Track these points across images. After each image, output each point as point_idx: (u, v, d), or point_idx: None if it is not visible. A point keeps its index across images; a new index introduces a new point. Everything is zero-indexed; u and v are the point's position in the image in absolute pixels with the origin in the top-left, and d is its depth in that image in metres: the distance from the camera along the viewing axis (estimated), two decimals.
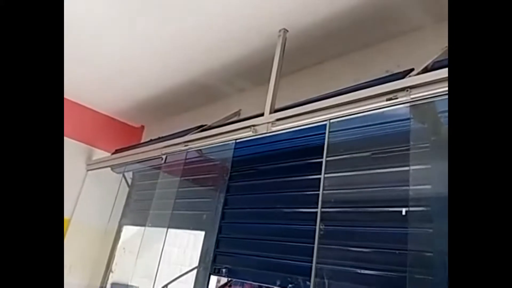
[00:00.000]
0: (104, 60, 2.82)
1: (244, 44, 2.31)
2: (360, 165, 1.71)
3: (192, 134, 2.37)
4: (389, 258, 1.49)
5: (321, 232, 1.52)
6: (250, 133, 1.86)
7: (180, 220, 2.48)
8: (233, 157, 2.06)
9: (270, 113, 1.84)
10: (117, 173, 3.54)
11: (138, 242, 3.62)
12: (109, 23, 2.31)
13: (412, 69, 1.50)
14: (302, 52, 2.24)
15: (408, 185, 1.50)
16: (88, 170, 3.62)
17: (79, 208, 3.51)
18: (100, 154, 3.76)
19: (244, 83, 2.81)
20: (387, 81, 1.42)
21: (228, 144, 1.92)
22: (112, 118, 4.03)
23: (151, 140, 3.17)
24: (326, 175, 1.61)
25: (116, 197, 3.42)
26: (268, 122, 1.79)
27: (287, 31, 2.07)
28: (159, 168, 2.75)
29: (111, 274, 3.35)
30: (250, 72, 2.62)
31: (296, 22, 2.02)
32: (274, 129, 1.76)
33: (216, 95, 3.09)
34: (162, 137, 2.91)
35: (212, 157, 2.38)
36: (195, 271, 3.32)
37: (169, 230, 2.92)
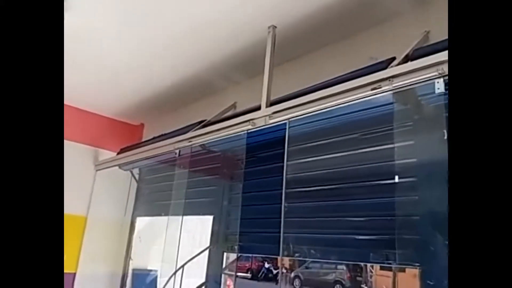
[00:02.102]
0: (101, 64, 2.79)
1: (236, 40, 2.33)
2: (351, 145, 1.82)
3: (196, 129, 2.43)
4: (379, 224, 1.63)
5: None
6: (249, 126, 1.93)
7: (192, 208, 2.57)
8: (247, 145, 2.14)
9: (267, 106, 1.90)
10: (125, 170, 3.59)
11: (151, 231, 3.73)
12: (106, 25, 2.28)
13: (394, 58, 1.57)
14: (291, 44, 2.27)
15: (393, 160, 1.61)
16: (97, 170, 3.66)
17: (93, 206, 3.57)
18: (105, 154, 3.79)
19: (238, 76, 2.84)
20: (372, 71, 1.50)
21: (240, 135, 1.99)
22: (113, 119, 4.03)
23: (154, 137, 3.20)
24: (326, 156, 1.71)
25: (129, 192, 3.49)
26: (265, 115, 1.86)
27: (276, 27, 2.11)
28: (168, 162, 2.81)
29: (131, 261, 3.46)
30: (243, 66, 2.64)
31: (284, 18, 2.05)
32: (271, 121, 1.83)
33: (212, 89, 3.12)
34: (167, 134, 2.95)
35: (216, 149, 2.45)
36: (206, 251, 3.45)
37: (178, 217, 3.03)
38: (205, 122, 2.61)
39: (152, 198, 3.39)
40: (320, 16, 1.99)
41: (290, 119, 1.75)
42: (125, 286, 3.41)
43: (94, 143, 3.74)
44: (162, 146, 2.51)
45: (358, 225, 1.69)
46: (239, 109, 2.82)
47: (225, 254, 2.48)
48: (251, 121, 1.92)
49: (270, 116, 1.82)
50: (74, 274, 3.31)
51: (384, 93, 1.40)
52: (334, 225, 1.89)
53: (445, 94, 1.26)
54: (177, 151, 2.29)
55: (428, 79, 1.27)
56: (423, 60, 1.28)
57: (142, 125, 4.22)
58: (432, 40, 1.68)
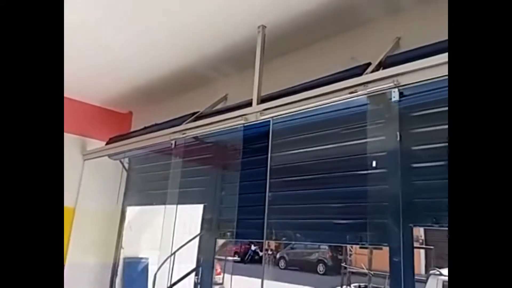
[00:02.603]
0: (91, 52, 2.95)
1: (228, 36, 2.61)
2: (331, 139, 2.20)
3: (189, 121, 2.74)
4: (354, 209, 2.02)
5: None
6: (242, 121, 2.26)
7: (185, 197, 2.90)
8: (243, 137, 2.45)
9: (258, 103, 2.24)
10: (114, 159, 3.86)
11: (142, 220, 4.05)
12: (101, 16, 2.45)
13: (370, 63, 1.92)
14: (279, 42, 2.57)
15: (366, 153, 2.00)
16: (85, 160, 3.91)
17: (81, 196, 3.83)
18: (93, 143, 4.04)
19: (229, 69, 3.12)
20: (350, 76, 1.85)
21: (233, 128, 2.30)
22: (100, 107, 4.26)
23: (145, 127, 3.47)
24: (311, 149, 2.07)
25: (120, 182, 3.77)
26: (256, 112, 2.20)
27: (265, 27, 2.41)
28: (160, 152, 3.11)
29: (122, 250, 3.78)
30: (234, 60, 2.92)
31: (272, 19, 2.36)
32: (262, 117, 2.16)
33: (203, 80, 3.39)
34: (159, 124, 3.23)
35: (209, 140, 2.77)
36: (196, 239, 3.83)
37: (170, 206, 3.37)
38: (198, 114, 2.91)
39: (143, 188, 3.69)
40: (305, 18, 2.31)
41: (278, 116, 2.09)
42: (117, 274, 3.74)
43: (81, 132, 3.98)
44: (157, 137, 2.80)
45: (336, 211, 2.08)
46: (230, 101, 3.14)
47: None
48: (243, 116, 2.25)
49: (261, 112, 2.16)
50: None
51: (360, 96, 1.75)
52: (315, 211, 2.28)
53: (399, 101, 1.61)
54: (173, 142, 2.59)
55: (388, 88, 1.62)
56: (383, 72, 1.64)
57: (130, 113, 4.47)
58: (403, 46, 2.03)
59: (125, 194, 3.92)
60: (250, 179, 2.64)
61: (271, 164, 2.33)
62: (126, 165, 4.04)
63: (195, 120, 2.82)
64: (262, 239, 2.39)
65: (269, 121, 2.15)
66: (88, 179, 3.89)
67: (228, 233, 2.63)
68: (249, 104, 2.37)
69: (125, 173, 4.01)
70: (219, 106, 3.08)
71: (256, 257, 14.46)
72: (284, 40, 2.55)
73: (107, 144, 3.81)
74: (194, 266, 4.20)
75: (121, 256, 3.81)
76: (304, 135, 2.41)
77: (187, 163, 2.97)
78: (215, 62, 3.02)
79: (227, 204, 2.72)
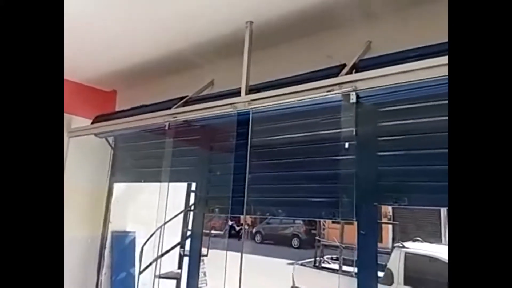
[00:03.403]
0: (75, 30, 2.98)
1: (217, 28, 2.85)
2: (309, 128, 2.57)
3: (178, 106, 3.02)
4: (328, 189, 2.44)
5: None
6: (231, 109, 2.56)
7: (175, 175, 3.22)
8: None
9: (246, 94, 2.54)
10: (100, 137, 4.07)
11: (128, 195, 4.34)
12: None
13: (345, 65, 2.25)
14: (265, 37, 2.85)
15: (339, 142, 2.39)
16: (70, 137, 4.10)
17: (67, 172, 4.04)
18: (78, 120, 4.22)
19: (215, 56, 3.35)
20: (329, 75, 2.18)
21: (223, 114, 2.63)
22: (83, 85, 4.39)
23: (133, 108, 3.69)
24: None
25: (109, 159, 4.01)
26: (245, 101, 2.50)
27: (253, 22, 2.68)
28: (150, 131, 3.38)
29: (110, 224, 4.08)
30: (221, 48, 3.16)
31: (259, 16, 2.62)
32: (250, 107, 2.48)
33: (189, 65, 3.62)
34: (148, 106, 3.47)
35: (198, 124, 3.07)
36: (181, 215, 4.18)
37: (157, 183, 3.69)
38: (187, 98, 3.18)
39: (130, 165, 3.96)
40: (288, 17, 2.60)
41: (264, 106, 2.41)
42: (105, 247, 4.06)
43: (66, 110, 4.12)
44: (149, 118, 3.07)
45: (312, 190, 2.50)
46: (216, 86, 3.40)
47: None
48: (233, 105, 2.55)
49: (249, 102, 2.47)
50: None
51: (336, 94, 2.09)
52: (294, 190, 2.69)
53: (356, 103, 2.00)
54: (167, 123, 2.87)
55: (349, 91, 1.99)
56: (345, 77, 2.03)
57: (115, 91, 4.63)
58: (374, 48, 2.37)
59: (111, 171, 4.17)
60: (234, 161, 2.98)
61: (251, 148, 2.69)
62: (112, 143, 4.26)
63: (184, 104, 3.09)
64: (244, 214, 2.78)
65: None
66: (73, 156, 4.09)
67: (217, 209, 3.01)
68: (237, 93, 2.67)
69: (110, 151, 4.25)
70: (206, 92, 3.34)
71: (233, 231, 15.14)
72: (268, 35, 2.82)
73: (93, 122, 4.01)
74: (179, 239, 4.59)
75: (109, 230, 4.11)
76: (284, 123, 2.77)
77: (176, 144, 3.26)
78: (203, 49, 3.24)
79: (214, 183, 3.08)
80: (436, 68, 1.80)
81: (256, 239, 15.10)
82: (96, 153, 4.14)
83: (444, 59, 1.76)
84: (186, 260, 4.49)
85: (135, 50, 3.48)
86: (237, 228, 15.87)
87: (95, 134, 3.94)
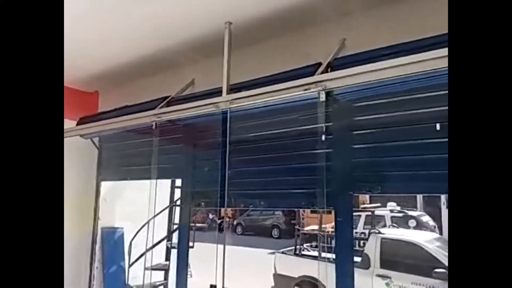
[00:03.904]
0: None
1: (197, 28, 2.90)
2: (289, 123, 2.68)
3: (162, 106, 3.06)
4: (306, 181, 2.57)
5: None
6: (214, 109, 2.64)
7: (162, 172, 3.28)
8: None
9: (227, 93, 2.62)
10: (86, 138, 4.07)
11: (115, 193, 4.37)
12: None
13: (320, 63, 2.36)
14: (244, 36, 2.91)
15: (317, 136, 2.51)
16: None
17: None
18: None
19: (196, 55, 3.41)
20: (305, 74, 2.29)
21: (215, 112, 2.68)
22: (66, 87, 4.35)
23: (116, 109, 3.70)
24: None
25: (98, 159, 4.03)
26: (226, 101, 2.58)
27: (231, 23, 2.74)
28: (135, 131, 3.41)
29: (99, 221, 4.11)
30: (201, 48, 3.22)
31: (237, 16, 2.68)
32: (232, 106, 2.56)
33: (170, 65, 3.65)
34: (131, 106, 3.50)
35: (181, 123, 3.13)
36: (167, 210, 4.23)
37: (144, 180, 3.74)
38: (170, 98, 3.22)
39: (117, 164, 3.99)
40: (265, 16, 2.67)
41: (245, 105, 2.50)
42: (96, 242, 4.10)
43: None
44: (134, 119, 3.11)
45: (293, 182, 2.62)
46: (197, 85, 3.45)
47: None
48: (215, 104, 2.63)
49: (230, 102, 2.55)
50: None
51: (313, 92, 2.20)
52: (276, 183, 2.80)
53: (326, 101, 2.14)
54: (154, 123, 2.92)
55: (319, 90, 2.11)
56: (315, 77, 2.14)
57: (97, 92, 4.61)
58: (348, 46, 2.49)
59: (98, 170, 4.19)
60: (218, 157, 3.05)
61: (232, 145, 2.78)
62: (97, 143, 4.27)
63: (168, 104, 3.14)
64: (227, 206, 2.89)
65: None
66: None
67: (202, 203, 3.10)
68: (218, 92, 2.74)
69: (96, 151, 4.25)
70: (187, 91, 3.39)
71: (214, 224, 15.26)
72: (247, 34, 2.89)
73: (78, 123, 3.99)
74: (165, 233, 4.66)
75: (99, 227, 4.15)
76: (264, 119, 2.87)
77: (161, 142, 3.31)
78: (183, 50, 3.28)
79: (200, 178, 3.16)
80: (407, 66, 1.92)
81: (237, 230, 15.26)
82: (83, 153, 4.16)
83: (415, 57, 1.89)
84: (173, 252, 4.60)
85: (117, 52, 3.49)
86: (218, 221, 16.02)
87: (81, 135, 3.93)
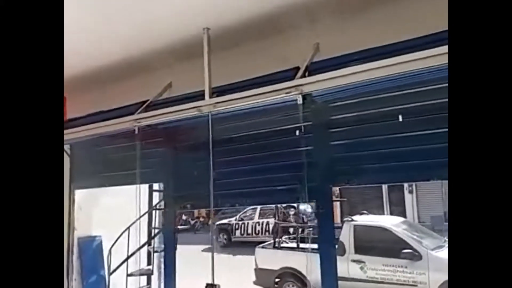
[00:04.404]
0: None
1: (175, 33, 2.94)
2: (271, 124, 2.84)
3: (141, 111, 3.09)
4: (292, 178, 2.73)
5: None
6: (197, 113, 2.72)
7: (142, 177, 3.30)
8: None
9: (210, 97, 2.71)
10: None
11: (91, 201, 4.30)
12: None
13: (298, 68, 2.52)
14: (222, 40, 3.00)
15: (300, 135, 2.68)
16: None
17: None
18: None
19: (172, 59, 3.42)
20: (285, 77, 2.44)
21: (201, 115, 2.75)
22: None
23: (89, 115, 3.64)
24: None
25: (70, 166, 3.94)
26: (209, 104, 2.67)
27: (209, 29, 2.83)
28: (111, 137, 3.39)
29: (75, 231, 4.03)
30: (178, 52, 3.25)
31: (215, 22, 2.77)
32: (214, 110, 2.66)
33: (144, 69, 3.63)
34: (106, 112, 3.47)
35: (160, 126, 3.17)
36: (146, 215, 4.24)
37: (121, 186, 3.73)
38: (148, 102, 3.25)
39: (93, 171, 3.92)
40: (241, 22, 2.77)
41: (228, 108, 2.62)
42: (73, 253, 4.01)
43: None
44: (114, 124, 3.11)
45: (276, 180, 2.79)
46: (175, 88, 3.48)
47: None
48: (198, 108, 2.71)
49: (214, 105, 2.65)
50: None
51: (293, 95, 2.36)
52: (260, 181, 2.95)
53: (305, 103, 2.33)
54: (136, 128, 2.94)
55: (297, 94, 2.29)
56: (293, 82, 2.32)
57: (64, 98, 4.46)
58: (322, 50, 2.67)
59: (70, 178, 4.09)
60: (201, 159, 3.13)
61: (216, 147, 2.88)
62: (68, 151, 4.16)
63: (146, 108, 3.17)
64: (214, 207, 3.00)
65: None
66: None
67: (188, 205, 3.17)
68: (199, 95, 2.82)
69: (67, 158, 4.15)
70: (165, 94, 3.43)
71: (188, 225, 15.12)
72: (224, 39, 2.98)
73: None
74: (146, 239, 4.65)
75: (75, 237, 4.06)
76: (244, 121, 3.00)
77: (141, 146, 3.33)
78: (159, 54, 3.28)
79: (183, 181, 3.23)
80: (377, 70, 2.14)
81: (212, 229, 15.27)
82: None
83: (383, 62, 2.11)
84: (155, 256, 4.62)
85: (88, 56, 3.42)
86: (192, 222, 15.91)
87: None
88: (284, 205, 9.70)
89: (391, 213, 11.39)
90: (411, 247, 5.90)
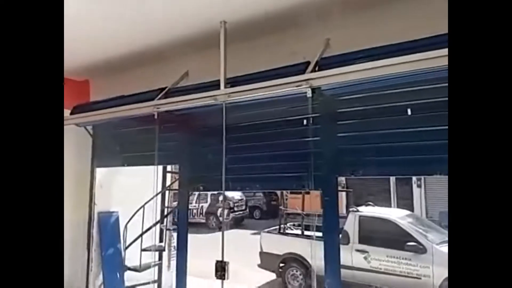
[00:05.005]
0: None
1: (193, 24, 3.10)
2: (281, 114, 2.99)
3: (161, 97, 3.28)
4: (298, 166, 2.90)
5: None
6: (212, 101, 2.89)
7: (160, 158, 3.53)
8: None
9: (225, 87, 2.87)
10: (80, 127, 4.21)
11: (110, 179, 4.57)
12: None
13: (309, 62, 2.65)
14: (238, 33, 3.14)
15: (308, 125, 2.84)
16: None
17: None
18: None
19: (189, 49, 3.59)
20: (296, 71, 2.58)
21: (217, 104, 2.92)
22: None
23: (112, 98, 3.84)
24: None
25: (92, 146, 4.20)
26: (224, 94, 2.84)
27: (226, 22, 2.97)
28: (132, 120, 3.61)
29: (95, 206, 4.32)
30: (195, 42, 3.41)
31: (231, 16, 2.91)
32: (229, 99, 2.82)
33: (162, 57, 3.80)
34: (127, 96, 3.67)
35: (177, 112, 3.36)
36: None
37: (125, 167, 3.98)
38: (167, 90, 3.43)
39: (113, 151, 4.18)
40: (256, 16, 2.90)
41: (241, 99, 2.78)
42: (93, 226, 4.32)
43: None
44: (135, 109, 3.31)
45: (285, 167, 2.95)
46: (191, 77, 3.65)
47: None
48: (213, 97, 2.88)
49: (228, 95, 2.81)
50: None
51: (304, 88, 2.50)
52: (269, 168, 3.12)
53: (312, 97, 2.44)
54: (155, 113, 3.14)
55: (307, 87, 2.42)
56: (303, 76, 2.45)
57: (87, 81, 4.70)
58: (332, 45, 2.78)
59: (92, 157, 4.36)
60: (214, 144, 3.32)
61: (227, 134, 3.05)
62: (91, 131, 4.42)
63: (165, 95, 3.35)
64: (225, 190, 3.19)
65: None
66: None
67: (201, 187, 3.39)
68: (215, 85, 2.98)
69: (90, 138, 4.41)
70: (182, 82, 3.60)
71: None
72: (240, 32, 3.10)
73: (72, 113, 4.11)
74: (158, 218, 4.92)
75: (95, 211, 4.37)
76: (257, 110, 3.16)
77: (159, 130, 3.54)
78: (177, 44, 3.45)
79: (198, 164, 3.45)
80: (382, 68, 2.25)
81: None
82: (77, 141, 4.29)
83: (389, 61, 2.22)
84: (167, 233, 4.90)
85: (111, 44, 3.60)
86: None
87: (76, 124, 4.07)
88: (215, 192, 10.58)
89: (398, 206, 11.39)
90: (415, 240, 5.93)
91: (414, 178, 10.96)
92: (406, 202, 11.24)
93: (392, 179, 12.89)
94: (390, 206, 11.73)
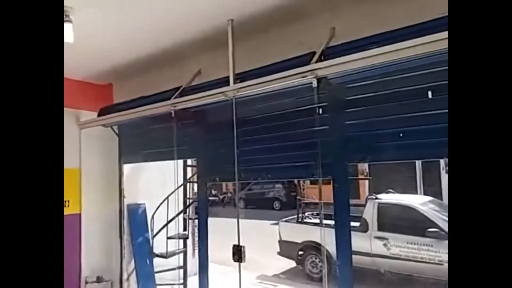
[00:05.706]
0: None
1: (202, 24, 3.11)
2: (289, 105, 2.98)
3: (176, 96, 3.35)
4: (308, 155, 2.87)
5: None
6: (223, 97, 2.93)
7: (179, 153, 3.62)
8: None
9: (234, 83, 2.89)
10: (106, 127, 4.39)
11: (135, 174, 4.77)
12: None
13: (314, 52, 2.62)
14: (245, 30, 3.15)
15: (315, 115, 2.81)
16: (81, 129, 4.44)
17: (84, 159, 4.42)
18: (83, 114, 4.53)
19: (200, 48, 3.62)
20: (302, 62, 2.55)
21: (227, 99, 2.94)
22: (82, 81, 4.62)
23: (133, 100, 3.97)
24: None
25: (118, 144, 4.39)
26: (233, 89, 2.87)
27: (233, 20, 2.98)
28: (152, 118, 3.72)
29: (124, 199, 4.52)
30: (206, 41, 3.45)
31: (238, 14, 2.91)
32: (238, 94, 2.85)
33: (176, 58, 3.82)
34: (146, 97, 3.77)
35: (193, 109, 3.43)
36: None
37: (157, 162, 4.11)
38: (182, 89, 3.51)
39: (137, 148, 4.34)
40: (262, 11, 2.85)
41: (248, 93, 2.80)
42: (124, 217, 4.54)
43: (73, 105, 4.41)
44: (154, 108, 3.41)
45: (295, 156, 2.95)
46: (203, 74, 3.70)
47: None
48: (224, 93, 2.92)
49: (237, 90, 2.84)
50: (80, 214, 4.32)
51: (310, 78, 2.49)
52: (279, 158, 3.14)
53: (317, 87, 2.40)
54: (173, 111, 3.23)
55: (312, 78, 2.38)
56: (308, 67, 2.39)
57: (110, 84, 4.86)
58: (338, 34, 2.73)
59: (119, 154, 4.54)
60: (227, 138, 3.35)
61: (237, 128, 3.06)
62: (116, 131, 4.60)
63: (181, 94, 3.43)
64: (238, 181, 3.23)
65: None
66: (86, 144, 4.45)
67: (217, 178, 3.47)
68: (225, 81, 3.01)
69: (116, 138, 4.59)
70: (195, 80, 3.66)
71: (217, 199, 15.50)
72: (246, 28, 3.07)
73: (99, 114, 4.29)
74: (182, 208, 5.07)
75: (125, 203, 4.57)
76: (266, 103, 3.16)
77: (177, 127, 3.64)
78: (189, 44, 3.45)
79: (213, 157, 3.51)
80: (390, 53, 2.18)
81: (239, 204, 15.58)
82: (105, 140, 4.48)
83: (388, 48, 2.17)
84: (190, 222, 5.05)
85: (129, 48, 3.69)
86: (221, 197, 16.33)
87: (103, 125, 4.26)
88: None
89: (426, 194, 10.70)
90: (437, 226, 5.65)
91: (442, 164, 10.19)
92: (433, 189, 10.43)
93: (418, 165, 12.05)
94: (416, 193, 11.16)
